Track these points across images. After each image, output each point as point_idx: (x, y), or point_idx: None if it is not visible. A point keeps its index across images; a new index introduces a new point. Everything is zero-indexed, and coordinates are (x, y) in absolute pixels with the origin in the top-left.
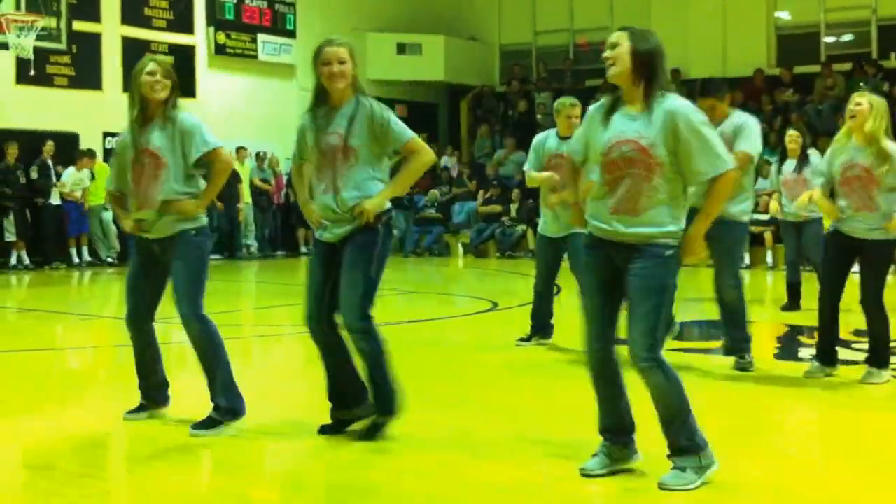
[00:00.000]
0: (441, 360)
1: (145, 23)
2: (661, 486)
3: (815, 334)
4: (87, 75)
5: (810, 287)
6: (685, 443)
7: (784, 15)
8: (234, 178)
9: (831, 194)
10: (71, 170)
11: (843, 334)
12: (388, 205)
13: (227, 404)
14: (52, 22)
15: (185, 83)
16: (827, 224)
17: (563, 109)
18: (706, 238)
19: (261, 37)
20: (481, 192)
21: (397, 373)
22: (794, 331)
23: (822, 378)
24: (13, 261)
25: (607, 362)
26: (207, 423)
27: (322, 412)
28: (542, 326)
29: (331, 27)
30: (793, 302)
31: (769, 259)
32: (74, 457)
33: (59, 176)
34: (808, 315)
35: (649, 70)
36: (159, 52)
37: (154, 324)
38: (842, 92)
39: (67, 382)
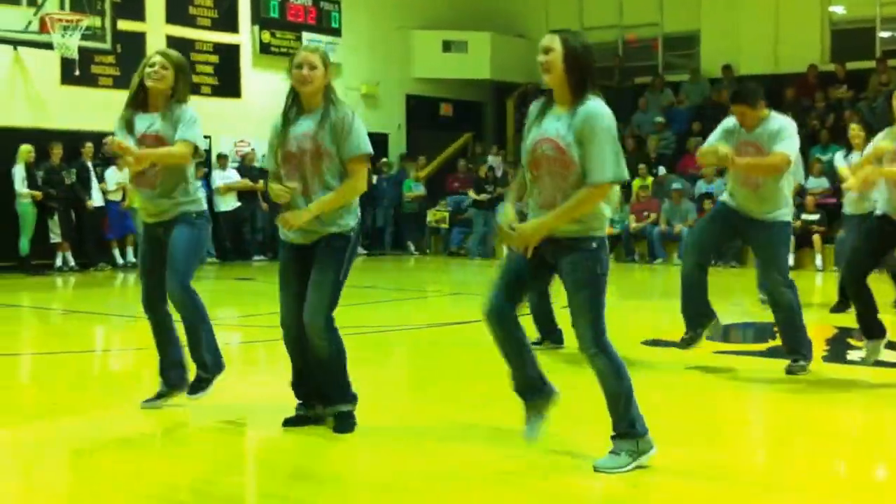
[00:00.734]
0: (478, 361)
1: (190, 22)
2: (596, 469)
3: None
4: (131, 75)
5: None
6: (625, 427)
7: (838, 9)
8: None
9: None
10: (112, 170)
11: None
12: (357, 215)
13: (213, 360)
14: (97, 21)
15: (229, 82)
16: None
17: None
18: (751, 243)
19: (306, 35)
20: None
21: (436, 373)
22: (844, 333)
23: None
24: (58, 262)
25: (505, 319)
26: (200, 385)
27: (377, 414)
28: (548, 332)
29: (376, 25)
30: (843, 302)
31: (818, 261)
32: (119, 458)
33: (101, 177)
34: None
35: (579, 73)
36: (204, 51)
37: (168, 306)
38: None
39: (111, 384)
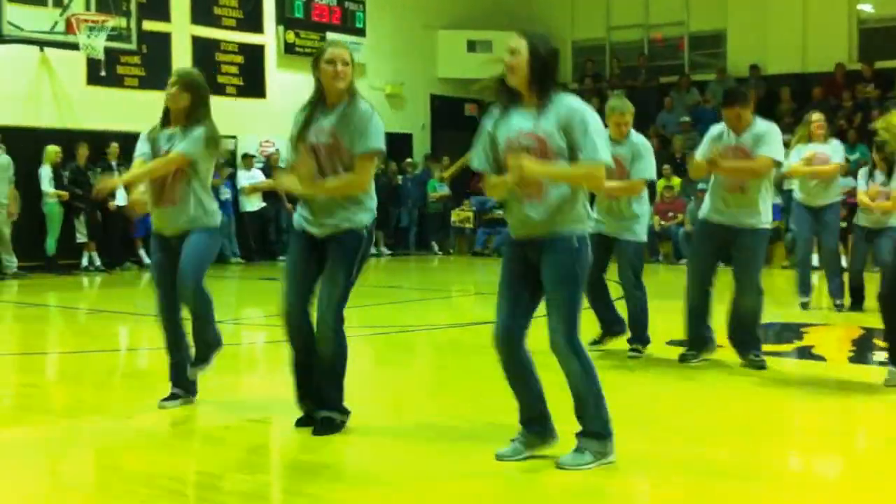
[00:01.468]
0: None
1: (215, 22)
2: (559, 466)
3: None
4: (157, 76)
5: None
6: (594, 428)
7: (866, 8)
8: None
9: None
10: None
11: None
12: (373, 215)
13: (215, 338)
14: (122, 22)
15: (254, 83)
16: None
17: (612, 115)
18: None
19: (330, 35)
20: None
21: (458, 373)
22: (870, 334)
23: None
24: (84, 262)
25: (515, 348)
26: (201, 360)
27: (392, 414)
28: (611, 323)
29: (401, 25)
30: (856, 303)
31: (843, 262)
32: (143, 457)
33: None
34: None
35: (545, 73)
36: (229, 51)
37: (180, 314)
38: None
39: (136, 383)
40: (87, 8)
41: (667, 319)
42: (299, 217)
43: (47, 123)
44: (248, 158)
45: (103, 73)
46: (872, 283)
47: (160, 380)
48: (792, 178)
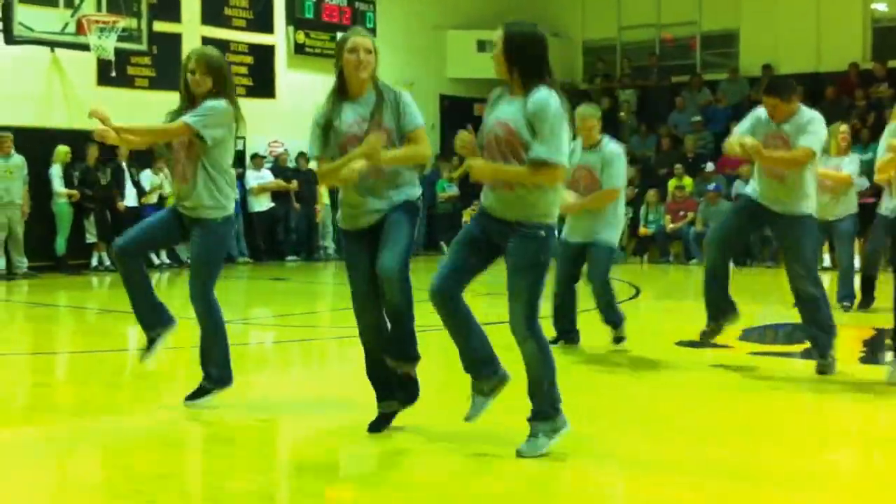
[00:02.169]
0: (509, 362)
1: (225, 22)
2: (519, 454)
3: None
4: (167, 76)
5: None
6: (545, 408)
7: (880, 7)
8: (312, 179)
9: None
10: (147, 173)
11: None
12: (420, 190)
13: (218, 373)
14: (133, 23)
15: (264, 83)
16: None
17: (578, 121)
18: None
19: (340, 35)
20: None
21: (463, 376)
22: (881, 334)
23: None
24: (94, 262)
25: (448, 304)
26: (199, 393)
27: (401, 414)
28: (565, 333)
29: (411, 25)
30: (866, 300)
31: (856, 262)
32: (151, 456)
33: (136, 178)
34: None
35: (521, 60)
36: (239, 51)
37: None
38: None
39: (146, 382)
40: (98, 9)
41: (675, 319)
42: (345, 216)
43: (58, 124)
44: (257, 158)
45: (114, 74)
46: (886, 284)
47: (168, 379)
48: None
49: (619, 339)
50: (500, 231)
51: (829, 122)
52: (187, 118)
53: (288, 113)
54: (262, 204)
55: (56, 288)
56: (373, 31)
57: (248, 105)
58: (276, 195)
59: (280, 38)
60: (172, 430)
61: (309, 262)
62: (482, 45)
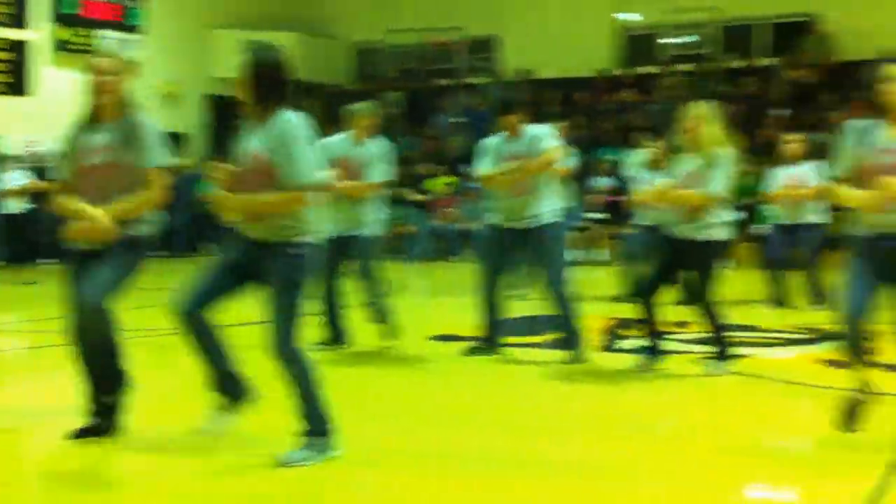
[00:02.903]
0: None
1: None
2: (281, 463)
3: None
4: None
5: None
6: (313, 426)
7: (629, 16)
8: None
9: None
10: None
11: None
12: (154, 223)
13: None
14: None
15: (23, 80)
16: None
17: (352, 119)
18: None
19: (105, 32)
20: None
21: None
22: (621, 323)
23: (654, 370)
24: None
25: (191, 324)
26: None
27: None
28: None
29: (179, 23)
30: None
31: (605, 255)
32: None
33: None
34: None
35: (262, 86)
36: None
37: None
38: (684, 93)
39: None
40: None
41: (433, 314)
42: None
43: None
44: (10, 159)
45: None
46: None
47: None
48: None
49: (388, 336)
50: (258, 252)
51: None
52: None
53: (49, 112)
54: (17, 205)
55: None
56: (140, 28)
57: (5, 103)
58: (34, 196)
59: (40, 34)
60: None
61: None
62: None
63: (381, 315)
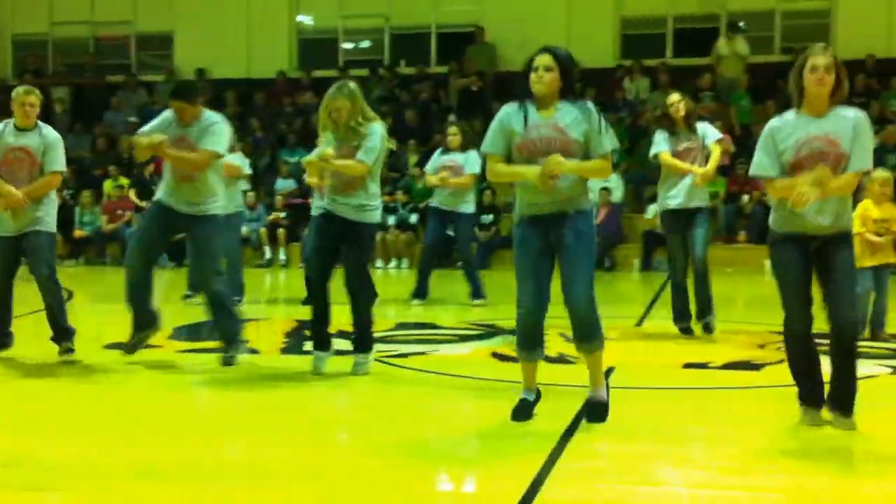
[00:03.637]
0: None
1: None
2: None
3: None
4: None
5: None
6: None
7: (305, 20)
8: None
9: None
10: None
11: (346, 326)
12: None
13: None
14: None
15: None
16: None
17: (17, 97)
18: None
19: None
20: None
21: None
22: (303, 325)
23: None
24: None
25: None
26: None
27: None
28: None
29: None
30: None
31: (282, 256)
32: None
33: None
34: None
35: None
36: None
37: None
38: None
39: None
40: None
41: (112, 322)
42: None
43: None
44: None
45: None
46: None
47: None
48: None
49: (66, 351)
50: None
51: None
52: None
53: None
54: None
55: None
56: None
57: None
58: None
59: None
60: None
61: None
62: None
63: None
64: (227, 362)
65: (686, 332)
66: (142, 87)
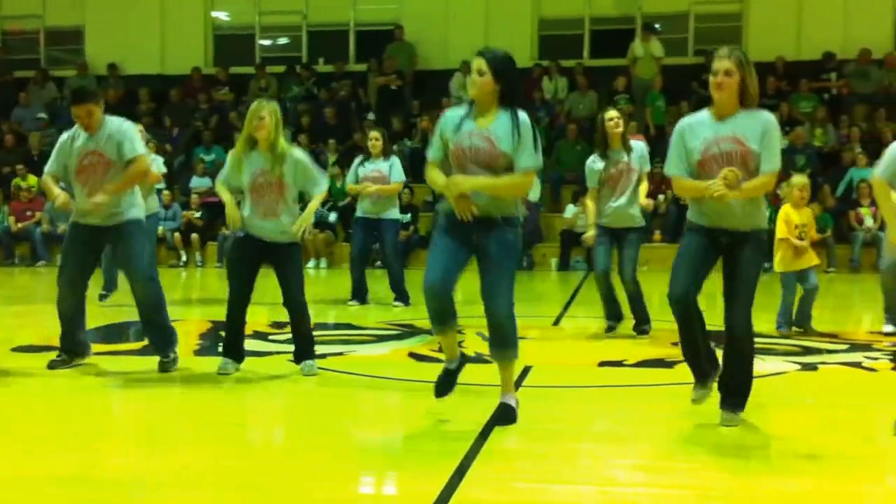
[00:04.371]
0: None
1: None
2: None
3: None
4: None
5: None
6: None
7: (221, 15)
8: None
9: None
10: None
11: (262, 327)
12: None
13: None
14: None
15: None
16: None
17: None
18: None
19: None
20: None
21: None
22: (217, 326)
23: (235, 372)
24: None
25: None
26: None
27: None
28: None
29: None
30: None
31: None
32: None
33: None
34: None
35: None
36: None
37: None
38: (275, 93)
39: None
40: None
41: (23, 325)
42: None
43: None
44: None
45: None
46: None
47: None
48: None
49: None
50: None
51: (175, 124)
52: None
53: None
54: None
55: None
56: None
57: None
58: None
59: None
60: None
61: None
62: None
63: None
64: (166, 368)
65: (610, 329)
66: (52, 82)
